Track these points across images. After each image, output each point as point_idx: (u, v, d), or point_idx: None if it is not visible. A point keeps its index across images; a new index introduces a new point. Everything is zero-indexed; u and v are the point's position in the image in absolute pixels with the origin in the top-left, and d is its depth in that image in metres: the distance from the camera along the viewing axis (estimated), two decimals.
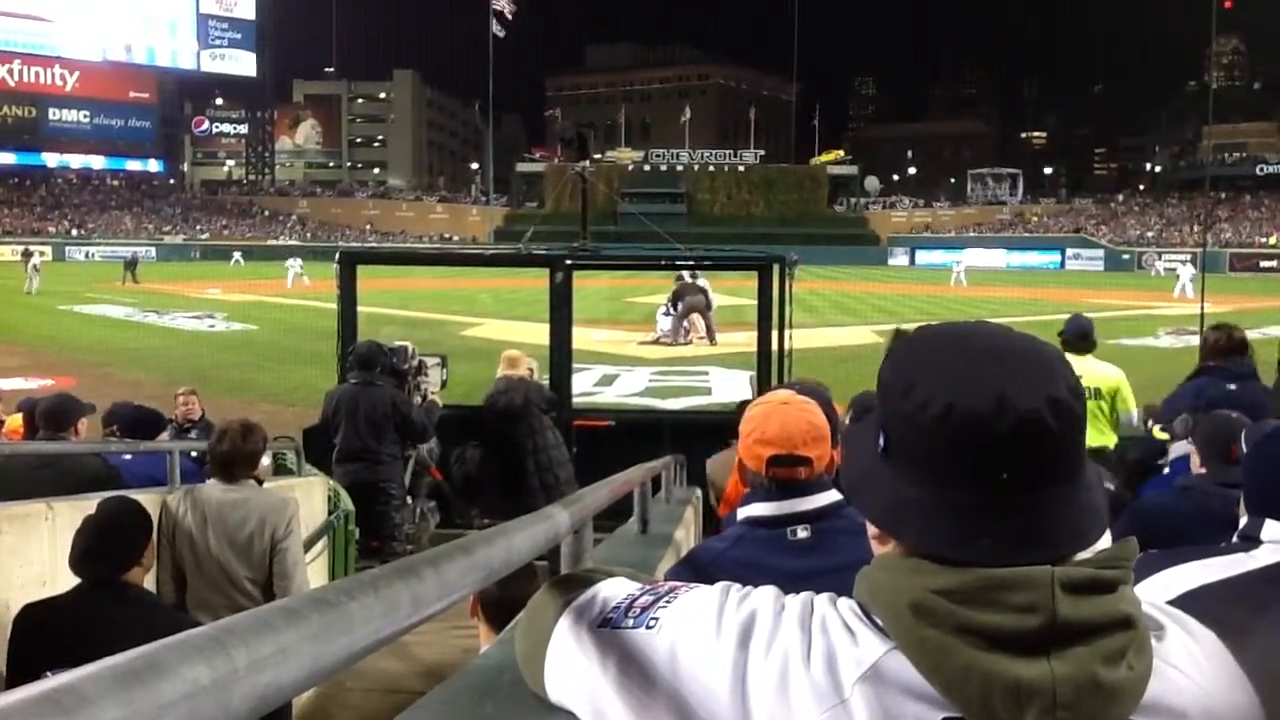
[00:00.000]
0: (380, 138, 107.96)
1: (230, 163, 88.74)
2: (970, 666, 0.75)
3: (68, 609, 2.74)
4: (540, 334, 8.73)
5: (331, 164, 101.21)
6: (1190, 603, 1.12)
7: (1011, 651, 0.75)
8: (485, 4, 69.69)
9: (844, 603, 0.86)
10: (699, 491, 5.27)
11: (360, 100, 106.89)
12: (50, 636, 2.69)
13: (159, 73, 76.89)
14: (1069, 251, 65.49)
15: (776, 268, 7.65)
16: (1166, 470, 3.90)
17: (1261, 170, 71.95)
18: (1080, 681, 0.74)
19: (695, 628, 0.88)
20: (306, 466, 6.11)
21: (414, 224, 78.31)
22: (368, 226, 75.82)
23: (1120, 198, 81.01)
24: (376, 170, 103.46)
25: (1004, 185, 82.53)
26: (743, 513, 1.90)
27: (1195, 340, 5.42)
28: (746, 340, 9.84)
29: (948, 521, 0.81)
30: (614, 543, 3.26)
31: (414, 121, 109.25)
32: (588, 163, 10.25)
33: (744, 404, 3.98)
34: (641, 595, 0.97)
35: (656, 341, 20.00)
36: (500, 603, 2.19)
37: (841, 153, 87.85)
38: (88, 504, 3.09)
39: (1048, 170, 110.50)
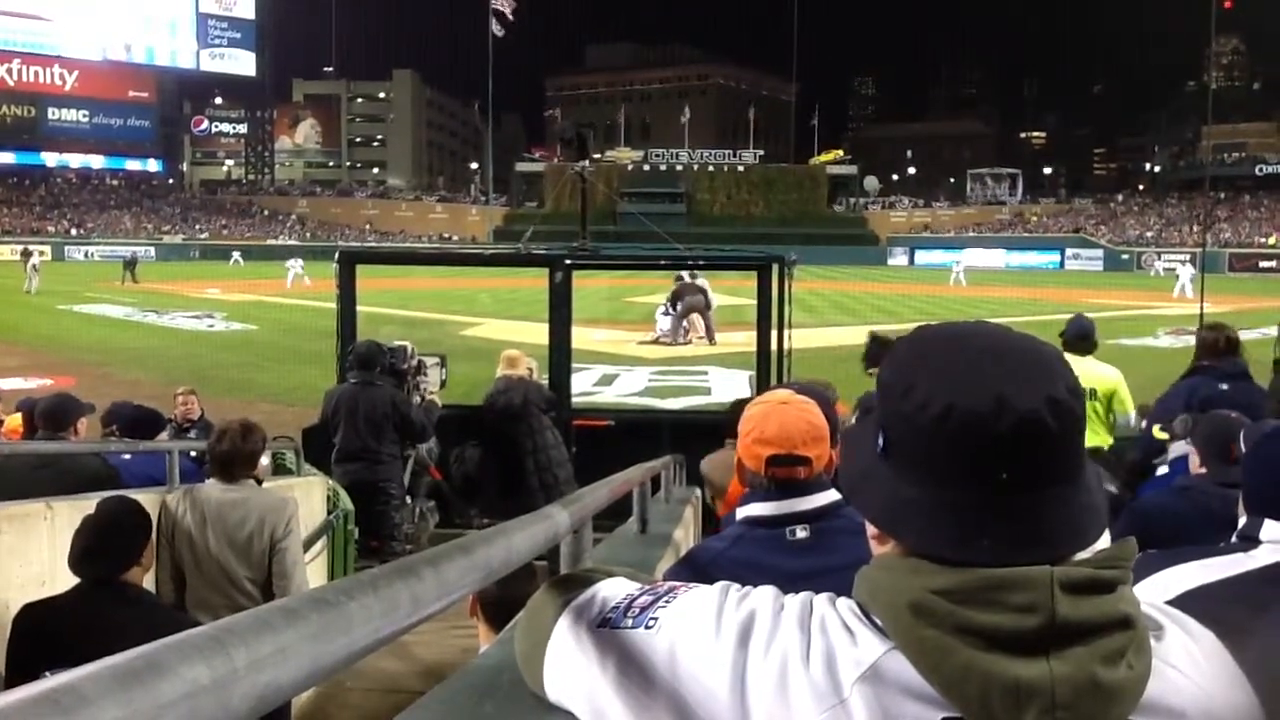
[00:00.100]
0: (380, 137, 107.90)
1: (229, 162, 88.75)
2: (969, 666, 0.75)
3: (67, 609, 2.74)
4: (539, 334, 8.73)
5: (331, 164, 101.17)
6: (1189, 603, 1.12)
7: (1011, 651, 0.75)
8: (485, 4, 69.65)
9: (843, 603, 0.87)
10: (698, 491, 5.27)
11: (360, 100, 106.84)
12: (49, 636, 2.69)
13: (158, 72, 76.89)
14: (1068, 251, 65.50)
15: (776, 268, 7.66)
16: (1164, 470, 3.90)
17: (1261, 170, 71.96)
18: (1079, 681, 0.74)
19: (694, 628, 0.88)
20: (306, 466, 6.11)
21: (413, 224, 78.30)
22: (367, 226, 75.80)
23: (1120, 198, 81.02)
24: (376, 170, 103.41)
25: (1003, 185, 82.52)
26: (741, 512, 1.91)
27: (1194, 340, 5.43)
28: (746, 340, 9.84)
29: (947, 521, 0.81)
30: (613, 542, 3.26)
31: (413, 121, 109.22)
32: (587, 162, 10.25)
33: (737, 403, 3.97)
34: (641, 595, 0.97)
35: (656, 341, 20.01)
36: (499, 602, 2.19)
37: (841, 153, 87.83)
38: (87, 504, 3.09)
39: (1047, 170, 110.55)
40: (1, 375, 14.06)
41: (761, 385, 7.19)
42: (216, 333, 22.60)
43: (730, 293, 22.05)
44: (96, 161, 75.25)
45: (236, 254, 58.00)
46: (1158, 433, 4.24)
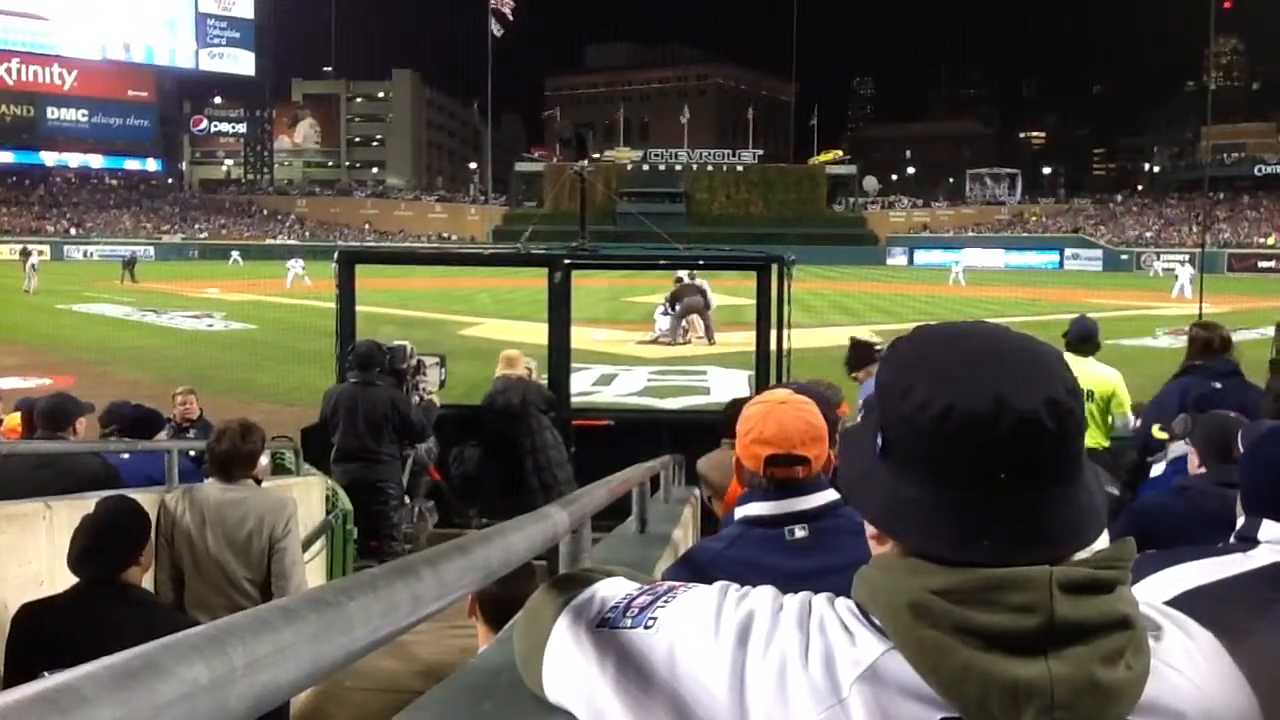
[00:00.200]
0: (379, 137, 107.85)
1: (229, 162, 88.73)
2: (968, 666, 0.75)
3: (66, 608, 2.74)
4: (539, 334, 8.72)
5: (330, 163, 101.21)
6: (1188, 603, 1.12)
7: (1009, 651, 0.75)
8: (484, 4, 69.52)
9: (842, 603, 0.87)
10: (697, 491, 5.27)
11: (359, 100, 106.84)
12: (48, 636, 2.69)
13: (158, 72, 76.88)
14: (1068, 252, 65.49)
15: (775, 267, 7.65)
16: (1161, 470, 3.90)
17: (1260, 171, 71.96)
18: (1078, 681, 0.74)
19: (693, 627, 0.88)
20: (305, 466, 6.11)
21: (413, 223, 78.29)
22: (366, 226, 75.78)
23: (1119, 198, 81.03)
24: (375, 170, 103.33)
25: (1003, 185, 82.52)
26: (740, 512, 1.90)
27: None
28: (745, 340, 9.84)
29: (946, 522, 0.81)
30: (612, 542, 3.26)
31: (413, 121, 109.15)
32: (586, 162, 10.26)
33: (733, 402, 3.96)
34: (640, 595, 0.97)
35: (655, 341, 20.01)
36: (499, 602, 2.20)
37: (840, 153, 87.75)
38: (86, 503, 3.09)
39: (1046, 170, 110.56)
40: (0, 375, 14.05)
41: (761, 385, 7.18)
42: (216, 332, 22.58)
43: (729, 293, 22.05)
44: (95, 161, 75.20)
45: (236, 254, 57.97)
46: (1157, 432, 4.24)
